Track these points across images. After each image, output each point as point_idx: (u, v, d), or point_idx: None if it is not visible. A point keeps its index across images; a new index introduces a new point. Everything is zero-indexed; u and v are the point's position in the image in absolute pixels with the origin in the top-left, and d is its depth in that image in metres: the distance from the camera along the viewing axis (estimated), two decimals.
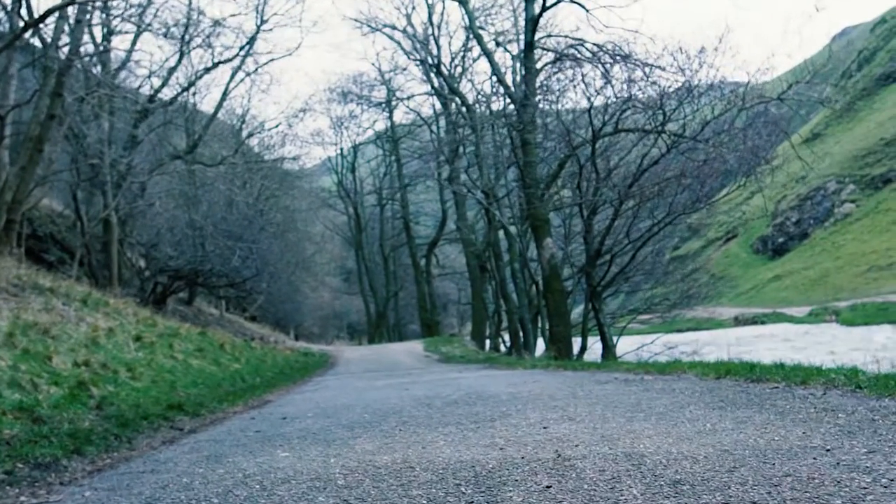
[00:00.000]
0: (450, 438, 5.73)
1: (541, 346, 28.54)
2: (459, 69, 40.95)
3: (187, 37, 31.83)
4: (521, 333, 29.43)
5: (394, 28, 40.41)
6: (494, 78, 30.11)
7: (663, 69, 22.03)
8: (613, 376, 9.85)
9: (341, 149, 64.58)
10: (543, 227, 24.13)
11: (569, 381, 10.16)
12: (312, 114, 59.30)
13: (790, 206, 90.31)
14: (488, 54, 28.09)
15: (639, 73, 22.47)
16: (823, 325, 50.53)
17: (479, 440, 5.56)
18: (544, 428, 5.78)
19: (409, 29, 39.21)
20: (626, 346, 25.05)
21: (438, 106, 46.29)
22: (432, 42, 39.26)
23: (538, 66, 25.43)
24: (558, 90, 24.52)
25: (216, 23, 31.85)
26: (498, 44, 30.38)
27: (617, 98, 22.62)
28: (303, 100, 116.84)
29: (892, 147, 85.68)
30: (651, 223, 22.96)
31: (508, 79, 28.40)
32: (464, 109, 34.45)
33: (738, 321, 61.42)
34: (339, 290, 75.40)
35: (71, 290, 18.87)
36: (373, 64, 69.69)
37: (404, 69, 50.53)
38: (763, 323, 58.33)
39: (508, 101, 28.18)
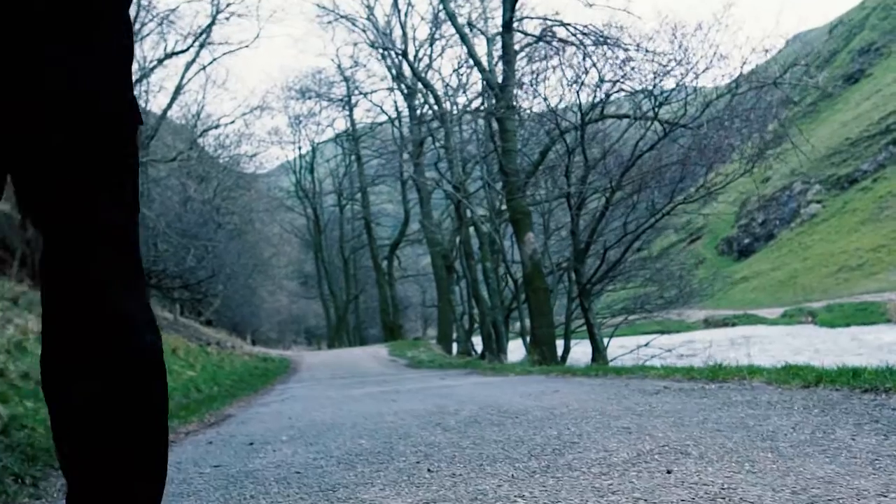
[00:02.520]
0: (527, 492, 3.29)
1: (512, 348, 27.23)
2: (426, 60, 39.61)
3: (137, 25, 30.13)
4: (494, 336, 27.82)
5: (354, 21, 38.86)
6: (469, 62, 28.60)
7: (655, 53, 20.81)
8: (661, 384, 7.92)
9: (299, 148, 63.23)
10: (524, 220, 22.52)
11: (599, 390, 8.26)
12: (270, 112, 57.64)
13: (755, 206, 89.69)
14: (462, 35, 26.26)
15: (623, 55, 21.19)
16: (801, 327, 49.67)
17: (586, 499, 3.10)
18: (668, 472, 3.37)
19: (372, 18, 37.69)
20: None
21: (401, 102, 45.04)
22: (398, 27, 37.82)
23: (515, 48, 23.99)
24: (543, 67, 22.97)
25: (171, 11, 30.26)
26: (471, 26, 28.61)
27: (604, 82, 21.21)
28: (260, 96, 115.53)
29: (857, 147, 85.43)
30: (647, 214, 21.40)
31: (483, 64, 26.76)
32: (431, 100, 32.85)
33: (708, 323, 60.25)
34: (296, 294, 74.29)
35: (0, 288, 16.79)
36: (332, 60, 67.93)
37: (365, 65, 49.31)
38: (734, 325, 57.34)
39: (484, 86, 26.70)
